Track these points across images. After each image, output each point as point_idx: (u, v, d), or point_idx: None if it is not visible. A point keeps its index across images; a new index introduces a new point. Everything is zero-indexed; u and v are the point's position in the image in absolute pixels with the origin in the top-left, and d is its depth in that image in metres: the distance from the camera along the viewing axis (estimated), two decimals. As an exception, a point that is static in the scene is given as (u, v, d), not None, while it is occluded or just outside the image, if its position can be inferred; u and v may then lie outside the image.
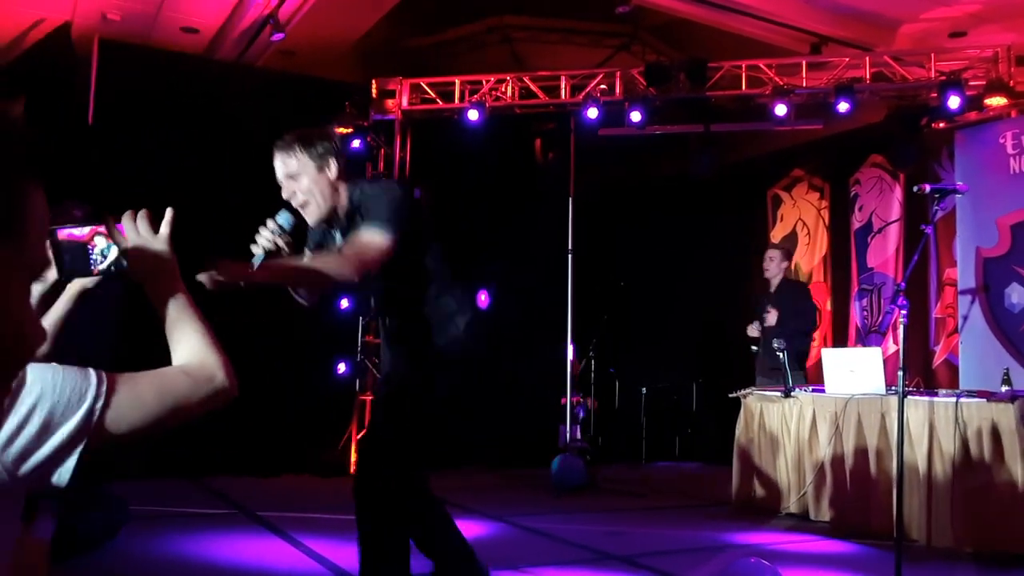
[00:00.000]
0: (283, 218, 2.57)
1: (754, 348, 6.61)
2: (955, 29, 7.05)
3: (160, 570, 3.94)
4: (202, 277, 2.21)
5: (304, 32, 7.00)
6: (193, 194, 6.70)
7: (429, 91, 7.47)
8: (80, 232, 1.36)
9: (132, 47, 7.04)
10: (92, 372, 1.04)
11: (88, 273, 1.39)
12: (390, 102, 7.46)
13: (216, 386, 1.17)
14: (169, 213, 1.37)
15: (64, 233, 1.36)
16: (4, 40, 7.01)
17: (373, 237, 2.67)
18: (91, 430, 0.99)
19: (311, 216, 2.83)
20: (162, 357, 1.24)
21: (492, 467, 7.68)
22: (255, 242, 2.52)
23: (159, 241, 1.33)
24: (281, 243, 2.55)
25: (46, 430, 0.96)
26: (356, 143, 7.39)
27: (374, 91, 7.44)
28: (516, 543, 4.69)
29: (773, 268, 6.70)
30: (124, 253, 1.34)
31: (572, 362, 7.63)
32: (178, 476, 5.99)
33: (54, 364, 1.02)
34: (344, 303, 7.27)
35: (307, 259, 2.84)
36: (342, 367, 7.28)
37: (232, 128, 6.99)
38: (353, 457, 7.23)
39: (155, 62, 7.08)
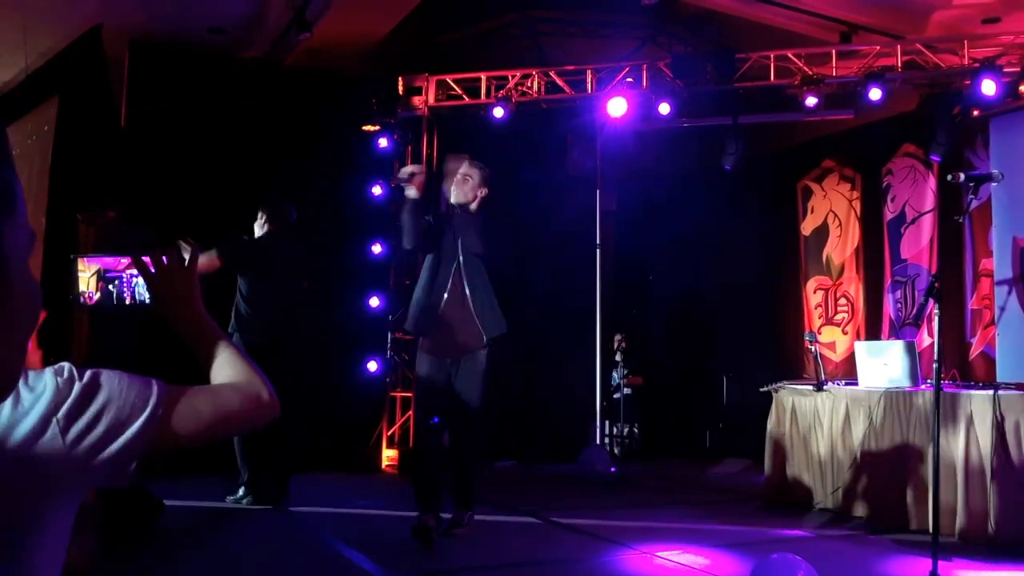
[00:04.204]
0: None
1: None
2: (988, 15, 6.91)
3: (194, 563, 3.99)
4: None
5: (330, 30, 7.02)
6: (225, 193, 6.77)
7: (455, 87, 7.47)
8: (111, 262, 1.37)
9: (163, 47, 7.09)
10: (154, 382, 1.11)
11: (110, 305, 1.40)
12: (416, 99, 7.47)
13: (263, 404, 1.26)
14: (189, 251, 1.39)
15: (94, 262, 1.37)
16: (38, 43, 7.10)
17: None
18: (154, 434, 1.07)
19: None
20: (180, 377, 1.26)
21: (523, 462, 7.69)
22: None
23: (184, 275, 1.34)
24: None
25: (113, 431, 1.03)
26: (383, 141, 7.40)
27: (400, 88, 7.45)
28: (543, 536, 4.69)
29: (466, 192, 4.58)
30: (149, 287, 1.34)
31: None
32: (212, 472, 6.05)
33: (120, 372, 1.08)
34: (374, 301, 7.30)
35: None
36: (373, 365, 7.32)
37: (263, 126, 7.04)
38: (385, 454, 7.27)
39: (185, 61, 7.14)
